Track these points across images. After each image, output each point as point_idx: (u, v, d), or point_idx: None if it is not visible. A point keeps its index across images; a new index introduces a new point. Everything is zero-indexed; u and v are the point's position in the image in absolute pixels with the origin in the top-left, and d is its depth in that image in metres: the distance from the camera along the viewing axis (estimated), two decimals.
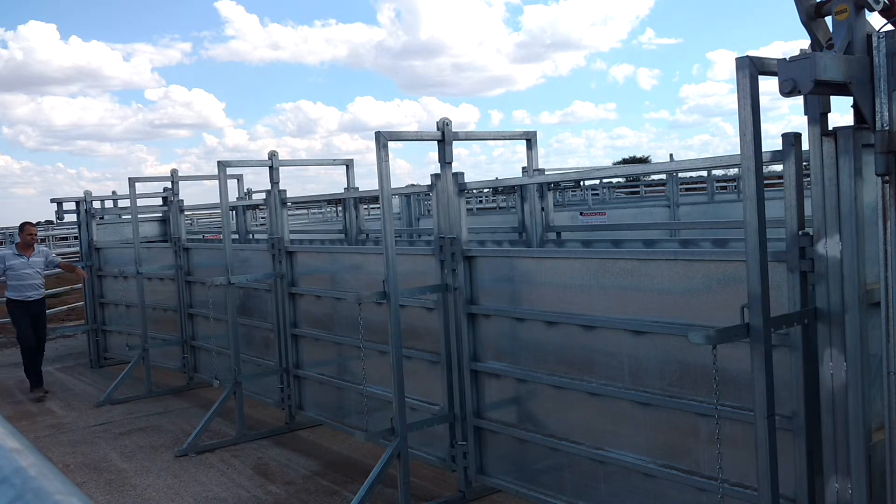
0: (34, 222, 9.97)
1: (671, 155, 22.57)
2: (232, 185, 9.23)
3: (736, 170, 11.19)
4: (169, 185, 10.10)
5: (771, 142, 3.25)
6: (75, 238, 11.74)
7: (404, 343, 5.26)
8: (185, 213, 9.78)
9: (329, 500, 5.61)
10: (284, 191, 7.23)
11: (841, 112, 3.23)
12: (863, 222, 3.12)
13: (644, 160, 48.10)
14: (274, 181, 7.21)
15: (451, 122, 5.13)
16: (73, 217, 11.27)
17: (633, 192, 22.31)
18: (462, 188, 5.23)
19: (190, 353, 9.36)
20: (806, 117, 3.20)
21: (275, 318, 7.30)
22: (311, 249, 7.42)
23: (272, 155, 7.20)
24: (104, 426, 7.94)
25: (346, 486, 5.79)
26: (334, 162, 8.02)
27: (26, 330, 9.31)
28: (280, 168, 7.24)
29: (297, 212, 24.40)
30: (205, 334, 9.12)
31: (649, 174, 26.51)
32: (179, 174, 9.77)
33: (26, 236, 9.58)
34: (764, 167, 3.29)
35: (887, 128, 2.87)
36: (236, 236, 9.94)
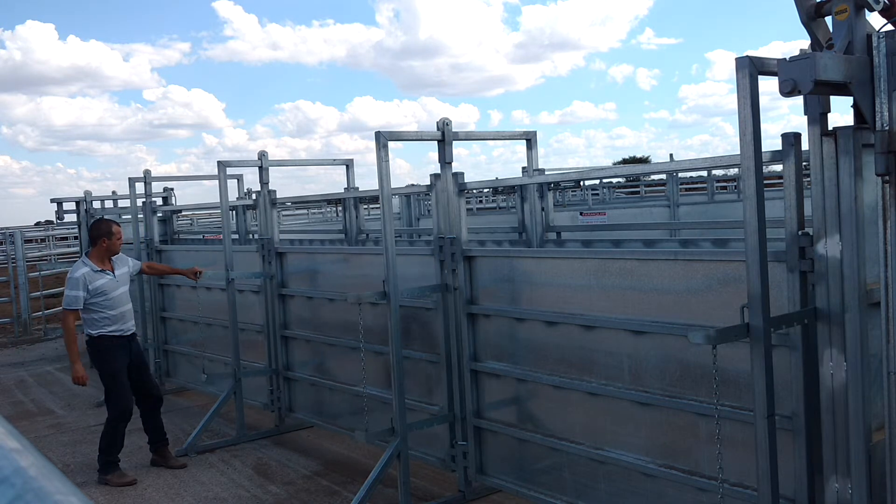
0: (113, 219, 6.89)
1: (671, 155, 22.61)
2: (232, 185, 9.24)
3: (736, 170, 11.17)
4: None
5: (771, 142, 3.25)
6: (75, 238, 11.67)
7: (403, 343, 5.26)
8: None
9: (329, 500, 5.61)
10: (274, 191, 7.18)
11: (841, 112, 3.24)
12: (863, 222, 3.12)
13: (644, 160, 48.11)
14: (264, 181, 7.16)
15: (450, 122, 5.13)
16: (73, 217, 11.26)
17: (633, 192, 22.30)
18: (462, 188, 5.23)
19: (163, 357, 9.38)
20: (806, 117, 3.20)
21: (264, 319, 7.28)
22: (301, 250, 7.36)
23: (262, 155, 7.15)
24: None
25: (346, 486, 5.79)
26: (334, 162, 8.01)
27: (125, 383, 6.18)
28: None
29: (298, 212, 24.41)
30: (179, 337, 9.16)
31: (649, 174, 26.50)
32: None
33: (116, 242, 6.20)
34: (764, 167, 3.29)
35: (887, 128, 2.87)
36: (236, 236, 9.94)
